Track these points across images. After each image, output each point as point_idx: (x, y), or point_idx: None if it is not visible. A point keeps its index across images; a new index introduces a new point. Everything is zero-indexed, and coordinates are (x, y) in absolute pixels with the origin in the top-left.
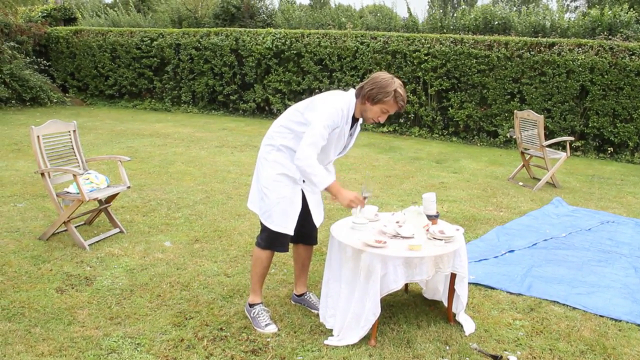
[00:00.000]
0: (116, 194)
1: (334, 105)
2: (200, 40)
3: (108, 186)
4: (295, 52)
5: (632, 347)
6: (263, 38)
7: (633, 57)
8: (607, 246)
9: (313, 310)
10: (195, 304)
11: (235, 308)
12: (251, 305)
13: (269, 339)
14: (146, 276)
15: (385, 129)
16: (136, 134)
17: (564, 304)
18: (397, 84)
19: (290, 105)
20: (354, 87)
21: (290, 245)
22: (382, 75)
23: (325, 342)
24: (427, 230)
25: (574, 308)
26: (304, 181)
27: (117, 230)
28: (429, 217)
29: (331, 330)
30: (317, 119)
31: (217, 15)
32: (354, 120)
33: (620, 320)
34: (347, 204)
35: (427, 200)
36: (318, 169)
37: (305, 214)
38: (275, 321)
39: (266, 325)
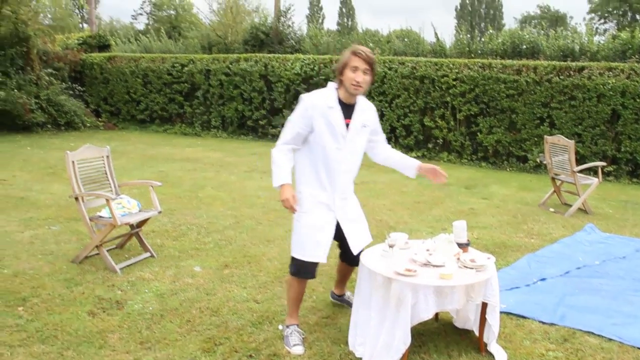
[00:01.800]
0: (147, 219)
1: (300, 101)
2: (230, 65)
3: (140, 211)
4: (323, 77)
5: None
6: (292, 64)
7: None
8: None
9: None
10: (225, 330)
11: (265, 335)
12: (287, 326)
13: None
14: (176, 301)
15: (414, 154)
16: (167, 158)
17: (599, 335)
18: (353, 46)
19: None
20: (382, 112)
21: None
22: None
23: None
24: (458, 258)
25: (610, 339)
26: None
27: (148, 254)
28: (460, 245)
29: (360, 359)
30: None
31: (246, 41)
32: (347, 107)
33: None
34: (282, 200)
35: (457, 228)
36: (282, 164)
37: (342, 239)
38: (305, 347)
39: (294, 345)
